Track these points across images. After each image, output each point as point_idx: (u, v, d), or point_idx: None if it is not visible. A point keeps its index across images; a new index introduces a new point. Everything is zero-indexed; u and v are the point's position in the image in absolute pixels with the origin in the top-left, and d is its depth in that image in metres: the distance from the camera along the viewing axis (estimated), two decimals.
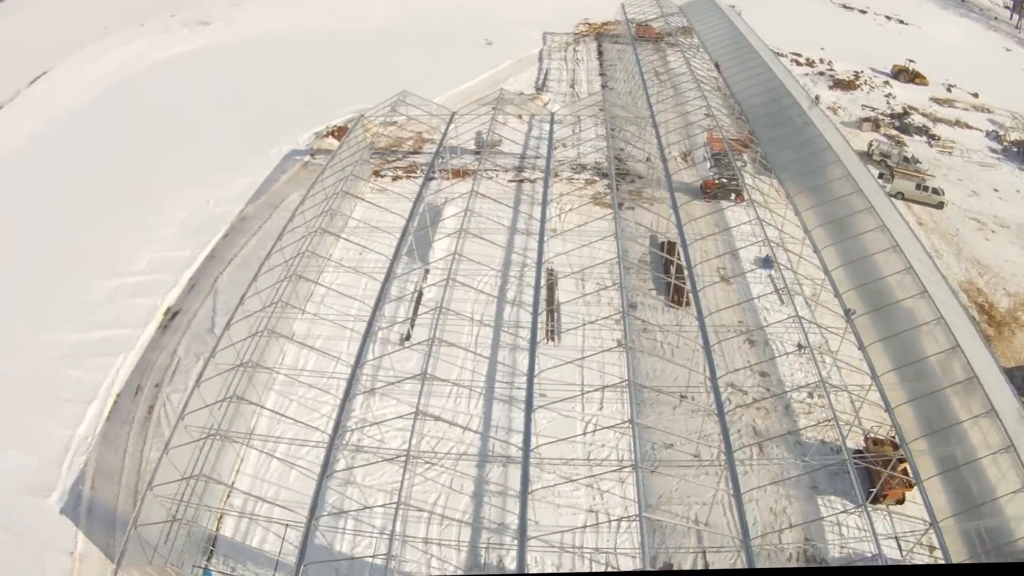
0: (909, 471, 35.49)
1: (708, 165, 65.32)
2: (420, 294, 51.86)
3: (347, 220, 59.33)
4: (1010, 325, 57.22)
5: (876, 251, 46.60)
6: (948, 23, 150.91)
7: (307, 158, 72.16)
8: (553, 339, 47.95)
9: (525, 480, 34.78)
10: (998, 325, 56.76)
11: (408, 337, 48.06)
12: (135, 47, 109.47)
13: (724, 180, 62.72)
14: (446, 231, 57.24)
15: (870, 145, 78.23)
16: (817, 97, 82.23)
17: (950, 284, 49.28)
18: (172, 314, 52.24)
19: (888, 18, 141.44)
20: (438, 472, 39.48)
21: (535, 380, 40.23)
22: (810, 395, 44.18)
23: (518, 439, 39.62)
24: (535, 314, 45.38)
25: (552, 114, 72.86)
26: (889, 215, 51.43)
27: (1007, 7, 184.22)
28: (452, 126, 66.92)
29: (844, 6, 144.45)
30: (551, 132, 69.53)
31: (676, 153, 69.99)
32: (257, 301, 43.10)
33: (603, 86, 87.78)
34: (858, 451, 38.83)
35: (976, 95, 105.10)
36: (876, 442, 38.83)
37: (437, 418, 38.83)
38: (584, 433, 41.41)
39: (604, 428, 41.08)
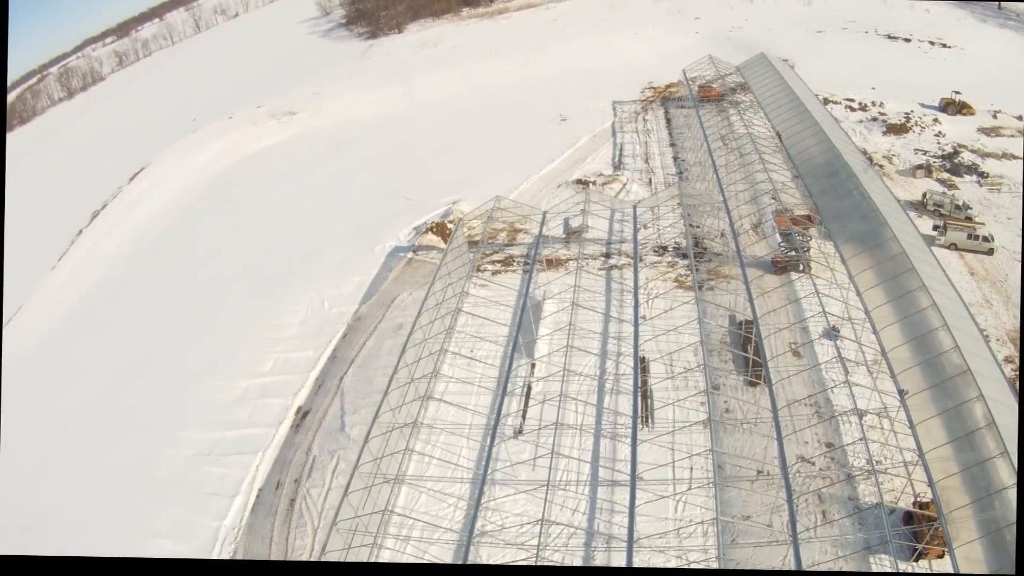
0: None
1: (778, 239, 70.95)
2: (529, 388, 58.74)
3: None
4: None
5: (927, 331, 52.10)
6: (988, 37, 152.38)
7: (410, 255, 79.98)
8: (647, 423, 54.41)
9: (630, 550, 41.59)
10: None
11: (520, 431, 54.86)
12: (228, 139, 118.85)
13: (792, 254, 68.31)
14: (547, 326, 64.17)
15: (924, 196, 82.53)
16: (870, 158, 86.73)
17: (994, 355, 54.12)
18: (303, 414, 59.92)
19: (932, 43, 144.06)
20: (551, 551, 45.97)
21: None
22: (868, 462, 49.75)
23: (620, 519, 46.24)
24: (635, 403, 52.21)
25: (635, 206, 79.05)
26: (940, 289, 56.71)
27: None
28: (543, 223, 74.07)
29: (889, 36, 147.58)
30: (635, 226, 75.68)
31: (748, 225, 75.87)
32: (389, 415, 50.53)
33: (674, 158, 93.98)
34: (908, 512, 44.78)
35: (1021, 117, 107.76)
36: (922, 506, 44.37)
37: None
38: (676, 515, 47.69)
39: (692, 524, 47.03)
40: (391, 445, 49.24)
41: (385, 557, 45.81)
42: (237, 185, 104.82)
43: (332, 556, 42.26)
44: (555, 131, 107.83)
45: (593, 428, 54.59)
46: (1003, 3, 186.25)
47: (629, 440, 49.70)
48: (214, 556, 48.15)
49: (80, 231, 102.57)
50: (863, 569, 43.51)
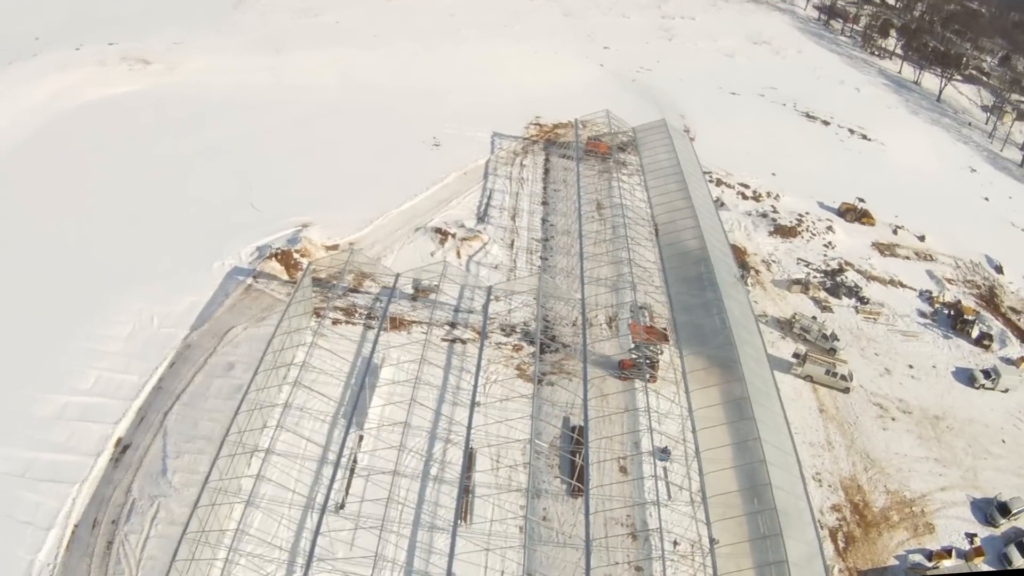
0: None
1: (630, 343, 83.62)
2: (355, 462, 69.00)
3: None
4: (879, 526, 76.21)
5: (749, 463, 65.79)
6: (915, 134, 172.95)
7: (250, 280, 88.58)
8: (466, 520, 65.60)
9: None
10: (867, 526, 75.71)
11: (342, 506, 65.13)
12: (69, 77, 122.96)
13: (640, 362, 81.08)
14: (382, 396, 74.80)
15: (793, 316, 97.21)
16: (743, 275, 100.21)
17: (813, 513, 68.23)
18: (123, 447, 68.28)
19: (851, 132, 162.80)
20: None
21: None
22: None
23: None
24: (459, 500, 63.77)
25: (489, 289, 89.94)
26: (774, 428, 70.65)
27: (984, 107, 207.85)
28: (395, 284, 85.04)
29: (808, 115, 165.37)
30: (486, 308, 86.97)
31: (603, 318, 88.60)
32: (216, 471, 60.16)
33: (543, 219, 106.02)
34: None
35: (923, 237, 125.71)
36: None
37: None
38: None
39: None
40: (217, 516, 58.94)
41: None
42: (69, 140, 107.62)
43: None
44: (425, 157, 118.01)
45: (413, 514, 65.59)
46: (943, 94, 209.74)
47: (448, 534, 61.02)
48: None
49: None
50: None
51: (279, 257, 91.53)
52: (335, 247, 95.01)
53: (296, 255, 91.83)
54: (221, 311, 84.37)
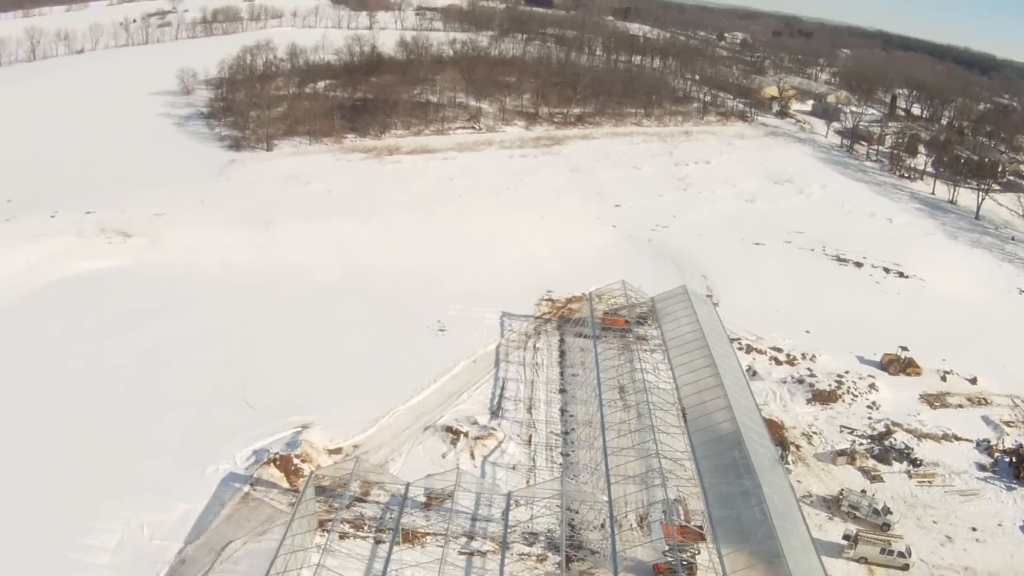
0: None
1: (664, 546, 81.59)
2: None
3: None
4: None
5: None
6: (956, 262, 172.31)
7: (247, 488, 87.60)
8: None
9: None
10: None
11: None
12: (46, 247, 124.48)
13: (676, 566, 78.93)
14: None
15: (840, 494, 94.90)
16: (783, 455, 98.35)
17: None
18: None
19: (887, 271, 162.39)
20: None
21: None
22: None
23: None
24: None
25: (509, 495, 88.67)
26: None
27: None
28: (406, 495, 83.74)
29: (839, 258, 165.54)
30: (506, 516, 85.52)
31: (633, 520, 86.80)
32: None
33: (562, 410, 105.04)
34: None
35: (974, 380, 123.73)
36: None
37: None
38: None
39: None
40: None
41: None
42: (44, 321, 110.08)
43: None
44: (431, 345, 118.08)
45: None
46: (981, 209, 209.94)
47: None
48: None
49: None
50: None
51: (278, 463, 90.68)
52: (338, 451, 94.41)
53: (296, 460, 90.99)
54: (217, 522, 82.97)
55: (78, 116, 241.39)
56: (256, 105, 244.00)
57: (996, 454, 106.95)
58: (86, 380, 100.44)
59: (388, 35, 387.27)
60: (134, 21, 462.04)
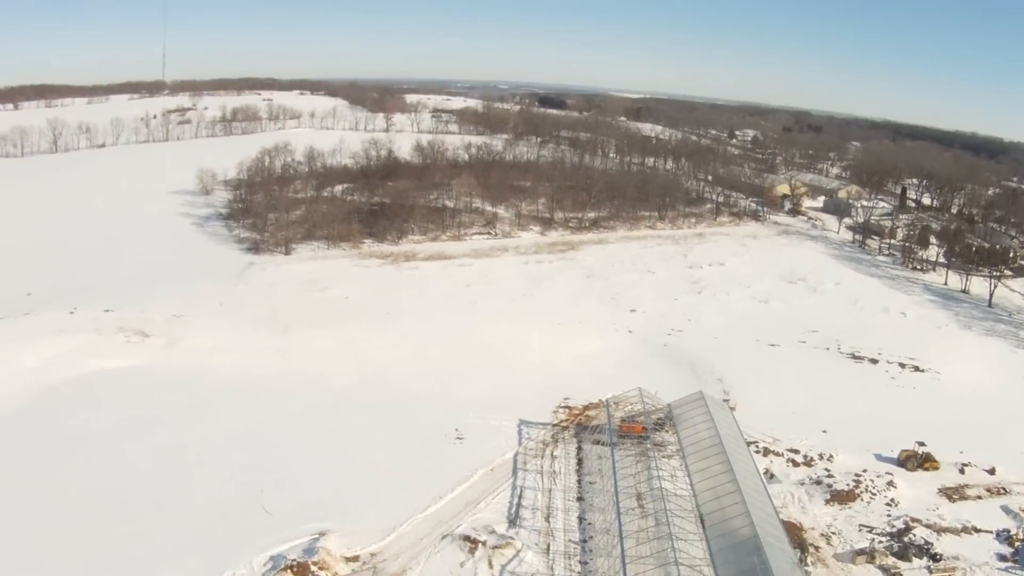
0: None
1: None
2: None
3: None
4: None
5: None
6: (970, 350, 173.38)
7: None
8: None
9: None
10: None
11: None
12: (64, 343, 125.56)
13: None
14: None
15: None
16: (802, 557, 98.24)
17: None
18: None
19: (902, 366, 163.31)
20: None
21: None
22: None
23: None
24: None
25: None
26: None
27: None
28: None
29: (854, 356, 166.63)
30: None
31: None
32: None
33: (580, 518, 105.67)
34: None
35: (992, 471, 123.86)
36: None
37: None
38: None
39: None
40: None
41: None
42: (62, 418, 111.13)
43: None
44: (448, 453, 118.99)
45: None
46: (993, 296, 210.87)
47: None
48: None
49: None
50: None
51: (295, 569, 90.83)
52: (356, 558, 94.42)
53: (314, 567, 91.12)
54: None
55: (99, 211, 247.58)
56: (274, 208, 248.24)
57: (1016, 543, 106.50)
58: (100, 480, 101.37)
59: (404, 138, 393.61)
60: (154, 117, 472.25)
